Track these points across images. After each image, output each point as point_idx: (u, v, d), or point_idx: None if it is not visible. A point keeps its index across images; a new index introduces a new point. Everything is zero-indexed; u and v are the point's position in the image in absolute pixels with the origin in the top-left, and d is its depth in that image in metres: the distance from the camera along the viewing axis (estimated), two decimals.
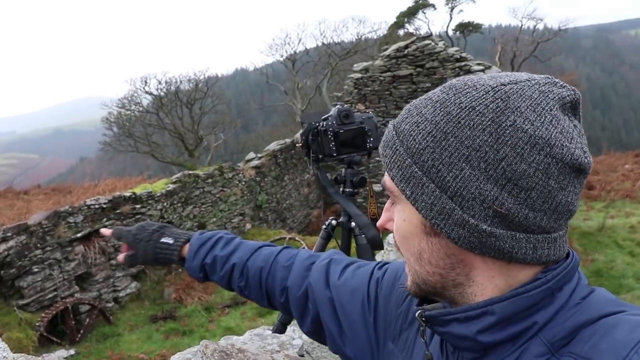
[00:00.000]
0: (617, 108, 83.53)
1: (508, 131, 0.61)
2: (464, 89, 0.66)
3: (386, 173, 0.73)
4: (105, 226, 7.98)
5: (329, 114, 2.22)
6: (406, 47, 12.32)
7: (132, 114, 24.68)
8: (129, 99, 24.72)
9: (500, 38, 30.34)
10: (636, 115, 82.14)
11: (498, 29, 54.63)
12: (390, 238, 3.44)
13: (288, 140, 13.61)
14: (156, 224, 1.31)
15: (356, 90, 12.93)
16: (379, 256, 3.53)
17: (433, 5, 31.24)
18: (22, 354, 1.68)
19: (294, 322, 2.02)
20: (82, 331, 7.29)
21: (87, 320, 7.45)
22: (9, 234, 6.82)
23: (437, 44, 12.19)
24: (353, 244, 2.33)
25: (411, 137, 0.67)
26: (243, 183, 11.57)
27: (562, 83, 0.66)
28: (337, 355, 1.07)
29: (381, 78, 12.57)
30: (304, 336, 2.24)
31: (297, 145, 12.64)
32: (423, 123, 0.67)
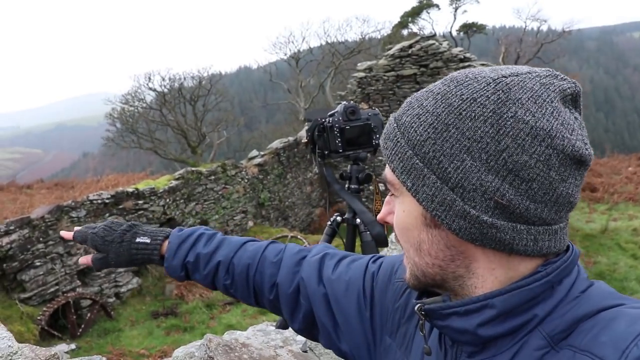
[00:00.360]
0: (620, 110, 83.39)
1: (509, 122, 0.61)
2: (465, 80, 0.66)
3: (387, 165, 0.73)
4: None
5: (335, 110, 2.22)
6: (410, 46, 12.32)
7: (136, 110, 24.72)
8: (133, 95, 24.77)
9: (504, 39, 30.28)
10: None
11: (502, 29, 54.59)
12: (394, 236, 3.43)
13: (291, 139, 13.58)
14: (124, 223, 1.21)
15: (360, 89, 12.93)
16: (384, 253, 3.53)
17: (437, 6, 31.23)
18: (26, 344, 1.68)
19: None
20: (83, 326, 7.30)
21: (89, 315, 7.46)
22: (11, 228, 6.84)
23: (441, 44, 12.18)
24: (358, 241, 2.33)
25: (412, 129, 0.67)
26: (246, 181, 11.57)
27: (562, 76, 0.66)
28: None
29: (385, 77, 12.56)
30: None
31: (302, 142, 12.63)
32: (424, 115, 0.67)
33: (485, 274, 0.68)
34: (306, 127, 2.37)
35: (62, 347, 6.38)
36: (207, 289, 8.65)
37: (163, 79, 24.83)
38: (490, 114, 0.62)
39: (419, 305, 0.73)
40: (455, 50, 12.15)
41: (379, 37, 29.84)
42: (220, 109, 27.42)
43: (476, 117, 0.62)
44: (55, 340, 6.82)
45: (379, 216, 0.81)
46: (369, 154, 2.25)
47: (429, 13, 31.36)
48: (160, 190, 9.27)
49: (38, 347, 1.68)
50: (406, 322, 0.88)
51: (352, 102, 2.26)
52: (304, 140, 2.32)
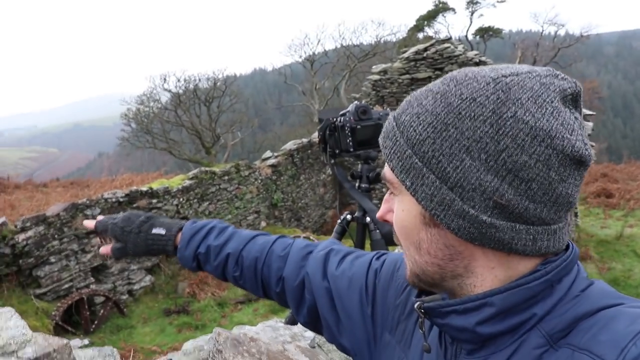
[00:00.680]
0: (638, 116, 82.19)
1: (509, 122, 0.61)
2: (464, 80, 0.66)
3: (386, 164, 0.73)
4: None
5: (347, 109, 2.23)
6: (425, 49, 12.29)
7: (151, 110, 24.96)
8: (148, 95, 25.04)
9: (521, 43, 30.09)
10: None
11: (519, 34, 54.17)
12: None
13: (305, 140, 13.59)
14: (142, 214, 1.27)
15: (374, 92, 12.91)
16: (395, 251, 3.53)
17: (453, 9, 31.14)
18: (40, 333, 1.72)
19: None
20: (96, 322, 7.38)
21: (102, 311, 7.55)
22: (27, 224, 6.96)
23: (456, 48, 12.13)
24: (367, 240, 2.34)
25: (411, 128, 0.68)
26: (259, 181, 11.62)
27: (563, 75, 0.66)
28: None
29: (399, 80, 12.54)
30: None
31: (315, 142, 12.62)
32: (424, 114, 0.67)
33: (484, 273, 0.68)
34: (319, 127, 2.39)
35: (75, 342, 6.45)
36: (219, 288, 8.71)
37: (178, 80, 25.10)
38: (490, 113, 0.62)
39: (418, 303, 0.73)
40: (471, 54, 12.09)
41: (394, 40, 29.80)
42: (235, 110, 27.57)
43: (476, 116, 0.62)
44: (68, 335, 6.90)
45: (378, 214, 0.81)
46: (379, 153, 2.26)
47: (444, 17, 31.29)
48: (174, 190, 9.35)
49: (51, 336, 1.72)
50: (406, 319, 0.88)
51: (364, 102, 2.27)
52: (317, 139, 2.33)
